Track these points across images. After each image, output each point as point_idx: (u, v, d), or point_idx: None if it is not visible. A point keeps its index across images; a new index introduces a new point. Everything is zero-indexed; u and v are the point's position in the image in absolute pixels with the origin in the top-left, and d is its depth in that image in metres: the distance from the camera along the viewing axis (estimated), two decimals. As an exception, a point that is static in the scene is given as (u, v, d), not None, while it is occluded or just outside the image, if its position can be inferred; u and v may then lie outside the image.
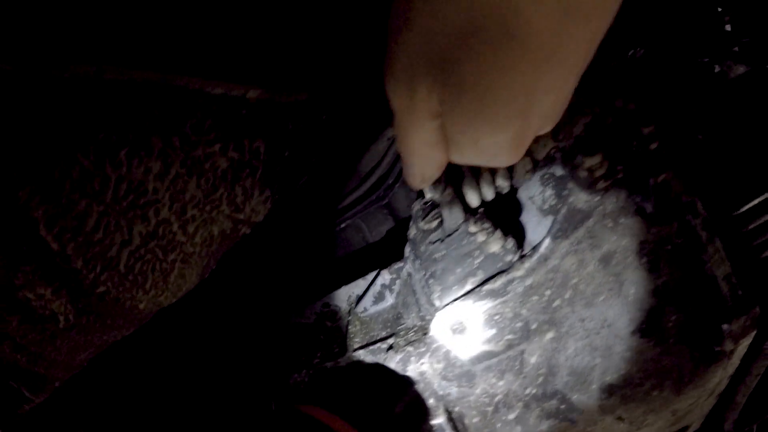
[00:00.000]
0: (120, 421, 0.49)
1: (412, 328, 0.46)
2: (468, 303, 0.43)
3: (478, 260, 0.42)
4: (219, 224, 0.39)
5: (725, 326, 0.42)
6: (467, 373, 0.44)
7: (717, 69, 0.48)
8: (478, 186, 0.41)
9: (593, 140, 0.38)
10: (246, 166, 0.38)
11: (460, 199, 0.41)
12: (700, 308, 0.42)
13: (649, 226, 0.41)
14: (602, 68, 0.42)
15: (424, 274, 0.45)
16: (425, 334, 0.45)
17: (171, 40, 0.29)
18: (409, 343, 0.45)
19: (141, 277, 0.37)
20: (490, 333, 0.43)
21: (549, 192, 0.43)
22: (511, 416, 0.45)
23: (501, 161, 0.31)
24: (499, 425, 0.45)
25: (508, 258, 0.42)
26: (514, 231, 0.43)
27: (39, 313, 0.37)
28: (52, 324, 0.37)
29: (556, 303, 0.42)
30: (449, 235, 0.42)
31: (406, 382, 0.44)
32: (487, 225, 0.41)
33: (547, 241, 0.41)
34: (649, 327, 0.42)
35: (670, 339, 0.43)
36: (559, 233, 0.41)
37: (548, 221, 0.42)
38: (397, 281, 0.50)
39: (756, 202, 0.48)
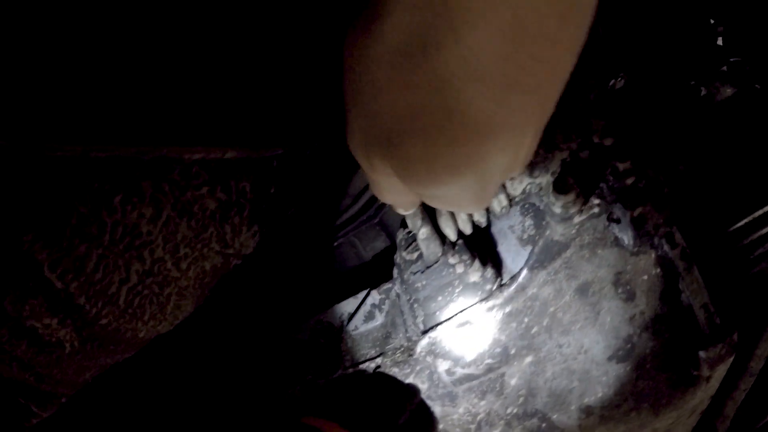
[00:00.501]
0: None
1: (399, 348, 0.48)
2: (449, 328, 0.45)
3: (458, 289, 0.44)
4: (210, 260, 0.41)
5: (702, 353, 0.43)
6: (449, 393, 0.46)
7: (704, 92, 0.48)
8: (454, 221, 0.42)
9: (568, 177, 0.39)
10: (233, 205, 0.40)
11: (440, 232, 0.43)
12: (676, 336, 0.43)
13: (626, 257, 0.42)
14: (581, 101, 0.42)
15: (409, 299, 0.47)
16: (411, 355, 0.47)
17: (150, 114, 0.31)
18: (396, 363, 0.47)
19: (140, 310, 0.40)
20: (471, 357, 0.44)
21: (528, 222, 0.44)
22: (493, 434, 0.47)
23: (467, 210, 0.32)
24: (482, 441, 0.48)
25: (488, 287, 0.43)
26: (494, 260, 0.45)
27: (46, 339, 0.40)
28: (59, 349, 0.40)
29: (534, 330, 0.44)
30: (429, 267, 0.43)
31: (410, 396, 0.46)
32: (465, 257, 0.42)
33: (524, 272, 0.43)
34: (625, 353, 0.43)
35: (647, 364, 0.44)
36: (536, 264, 0.43)
37: (527, 251, 0.44)
38: (387, 301, 0.52)
39: (752, 217, 0.48)
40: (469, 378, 0.45)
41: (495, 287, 0.44)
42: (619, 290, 0.42)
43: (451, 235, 0.42)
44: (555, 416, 0.46)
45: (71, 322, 0.40)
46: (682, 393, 0.45)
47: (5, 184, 0.33)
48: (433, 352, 0.45)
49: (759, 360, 0.51)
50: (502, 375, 0.45)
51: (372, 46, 0.23)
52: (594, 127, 0.41)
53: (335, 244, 0.60)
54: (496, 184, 0.30)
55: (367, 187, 0.56)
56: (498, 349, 0.44)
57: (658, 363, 0.44)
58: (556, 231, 0.41)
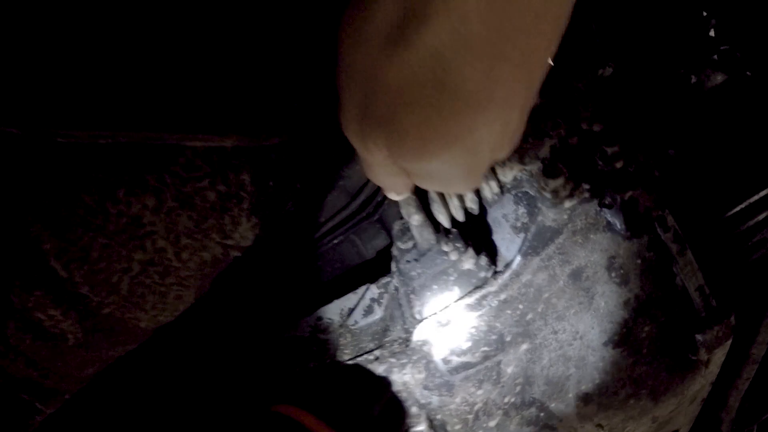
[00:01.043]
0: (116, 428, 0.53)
1: (397, 340, 0.48)
2: (445, 317, 0.45)
3: (453, 277, 0.44)
4: (211, 250, 0.42)
5: (699, 336, 0.43)
6: (447, 383, 0.46)
7: (694, 79, 0.49)
8: (447, 208, 0.43)
9: (557, 162, 0.40)
10: (233, 197, 0.41)
11: (434, 219, 0.44)
12: (672, 319, 0.43)
13: (618, 241, 0.43)
14: (569, 89, 0.43)
15: (406, 290, 0.47)
16: (408, 345, 0.48)
17: (153, 103, 0.33)
18: (393, 354, 0.48)
19: (141, 300, 0.41)
20: (467, 345, 0.45)
21: (522, 210, 0.45)
22: (492, 423, 0.47)
23: (458, 189, 0.33)
24: (481, 432, 0.48)
25: (482, 274, 0.44)
26: (488, 248, 0.45)
27: (50, 332, 0.41)
28: (62, 342, 0.42)
29: (529, 316, 0.44)
30: (423, 255, 0.44)
31: (385, 387, 0.46)
32: (459, 244, 0.43)
33: (518, 258, 0.43)
34: (621, 338, 0.44)
35: (644, 349, 0.44)
36: (529, 250, 0.43)
37: (521, 239, 0.44)
38: (385, 295, 0.53)
39: (749, 201, 0.49)
40: (465, 366, 0.45)
41: (489, 275, 0.44)
42: (613, 274, 0.43)
43: (444, 222, 0.43)
44: (553, 405, 0.46)
45: (75, 314, 0.41)
46: (680, 378, 0.45)
47: (17, 173, 0.35)
48: (429, 341, 0.46)
49: (761, 346, 0.51)
50: (499, 363, 0.45)
51: (366, 26, 0.25)
52: (583, 114, 0.42)
53: (335, 242, 0.61)
54: (485, 163, 0.31)
55: (365, 185, 0.57)
56: (493, 337, 0.45)
57: (654, 347, 0.44)
58: (548, 216, 0.42)
